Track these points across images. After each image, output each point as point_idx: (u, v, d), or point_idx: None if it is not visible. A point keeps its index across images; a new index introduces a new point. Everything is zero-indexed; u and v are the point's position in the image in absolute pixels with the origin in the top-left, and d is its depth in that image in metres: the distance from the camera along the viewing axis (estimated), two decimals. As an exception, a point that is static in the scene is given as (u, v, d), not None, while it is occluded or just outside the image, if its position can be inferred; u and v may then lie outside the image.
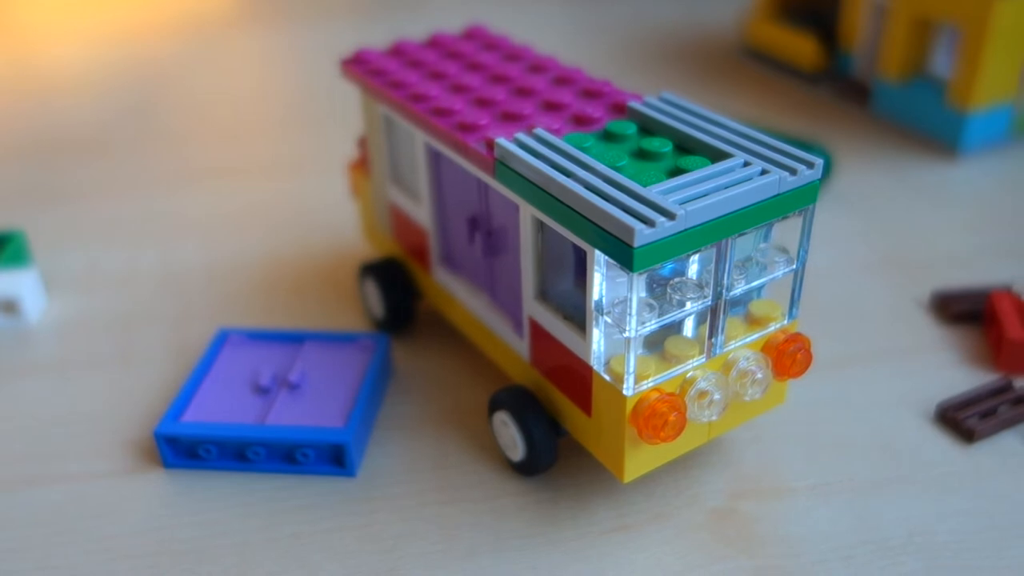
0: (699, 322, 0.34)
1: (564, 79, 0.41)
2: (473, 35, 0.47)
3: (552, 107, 0.38)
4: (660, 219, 0.29)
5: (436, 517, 0.37)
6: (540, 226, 0.35)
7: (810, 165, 0.33)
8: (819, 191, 0.33)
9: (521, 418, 0.37)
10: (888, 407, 0.42)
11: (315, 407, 0.41)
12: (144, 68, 0.87)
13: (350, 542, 0.36)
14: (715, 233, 0.31)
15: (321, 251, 0.56)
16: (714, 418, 0.34)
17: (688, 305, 0.32)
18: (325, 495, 0.38)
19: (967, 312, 0.48)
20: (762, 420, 0.41)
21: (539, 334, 0.37)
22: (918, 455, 0.40)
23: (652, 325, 0.32)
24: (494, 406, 0.39)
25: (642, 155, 0.34)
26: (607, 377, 0.33)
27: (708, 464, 0.40)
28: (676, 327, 0.34)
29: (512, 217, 0.37)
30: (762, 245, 0.35)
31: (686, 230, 0.30)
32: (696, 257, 0.33)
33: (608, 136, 0.36)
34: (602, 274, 0.31)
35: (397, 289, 0.46)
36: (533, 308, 0.37)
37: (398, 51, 0.46)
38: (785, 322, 0.36)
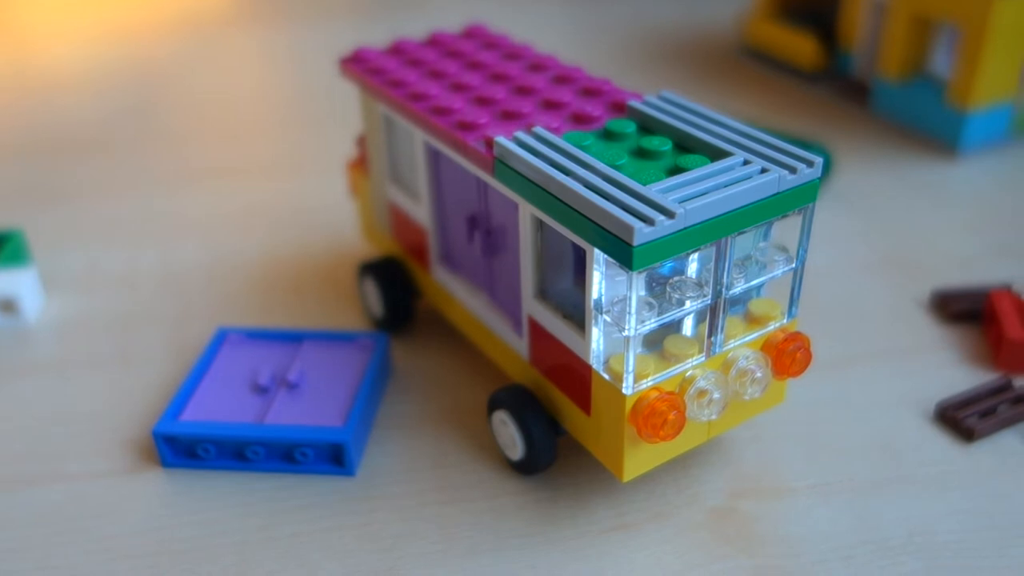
0: (698, 321, 0.34)
1: (564, 78, 0.41)
2: (473, 34, 0.47)
3: (551, 106, 0.38)
4: (659, 217, 0.29)
5: (435, 516, 0.37)
6: (539, 225, 0.35)
7: (810, 164, 0.33)
8: (819, 190, 0.33)
9: (520, 417, 0.37)
10: (888, 406, 0.42)
11: (314, 406, 0.41)
12: (144, 67, 0.87)
13: (349, 541, 0.36)
14: (714, 232, 0.31)
15: (320, 250, 0.56)
16: (713, 417, 0.34)
17: (687, 304, 0.32)
18: (324, 494, 0.38)
19: (967, 311, 0.48)
20: (762, 419, 0.41)
21: (538, 333, 0.37)
22: (918, 454, 0.40)
23: (651, 324, 0.32)
24: (493, 405, 0.39)
25: (641, 154, 0.34)
26: (606, 376, 0.33)
27: (708, 463, 0.39)
28: (675, 326, 0.34)
29: (511, 216, 0.37)
30: (761, 244, 0.35)
31: (685, 228, 0.30)
32: (695, 256, 0.33)
33: (608, 135, 0.36)
34: (601, 273, 0.31)
35: (396, 288, 0.46)
36: (532, 307, 0.37)
37: (397, 50, 0.46)
38: (784, 321, 0.36)
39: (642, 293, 0.32)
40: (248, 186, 0.64)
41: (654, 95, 0.38)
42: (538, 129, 0.35)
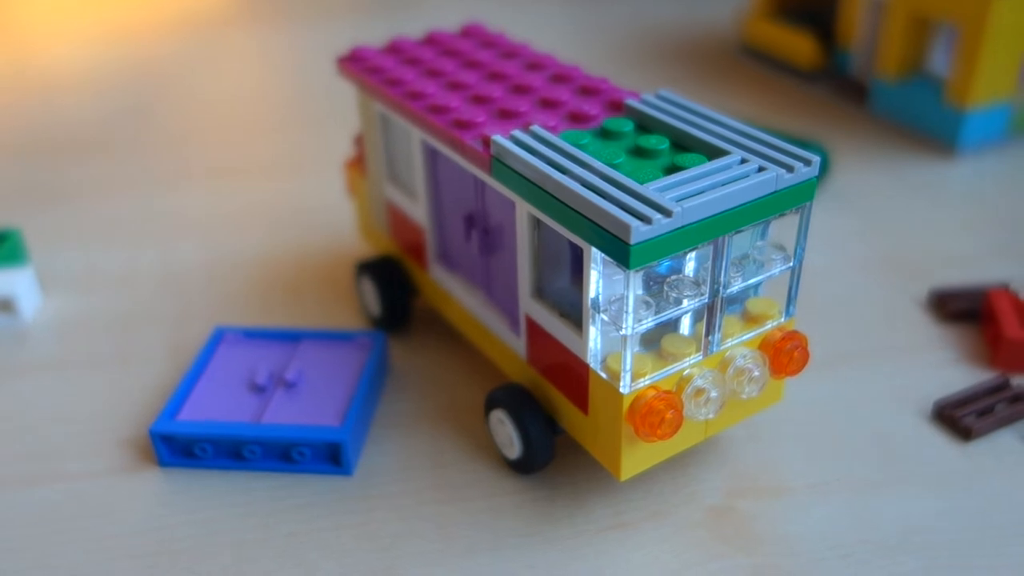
0: (696, 320, 0.34)
1: (561, 76, 0.41)
2: (470, 32, 0.47)
3: (549, 104, 0.38)
4: (657, 216, 0.29)
5: (433, 515, 0.37)
6: (537, 223, 0.35)
7: (807, 162, 0.32)
8: (816, 189, 0.33)
9: (518, 416, 0.37)
10: (885, 405, 0.42)
11: (311, 406, 0.41)
12: (143, 67, 0.87)
13: (347, 541, 0.36)
14: (712, 230, 0.31)
15: (319, 250, 0.56)
16: (711, 416, 0.34)
17: (685, 303, 0.32)
18: (322, 494, 0.38)
19: (964, 310, 0.48)
20: (759, 418, 0.41)
21: (536, 332, 0.37)
22: (915, 453, 0.40)
23: (649, 323, 0.32)
24: (491, 404, 0.39)
25: (639, 152, 0.34)
26: (604, 375, 0.33)
27: (705, 462, 0.39)
28: (673, 325, 0.34)
29: (509, 214, 0.37)
30: (759, 243, 0.35)
31: (683, 227, 0.30)
32: (693, 254, 0.33)
33: (605, 133, 0.36)
34: (598, 271, 0.31)
35: (394, 287, 0.46)
36: (530, 306, 0.37)
37: (394, 48, 0.46)
38: (782, 320, 0.36)
39: (639, 292, 0.32)
40: (247, 186, 0.64)
41: (652, 94, 0.38)
42: (535, 128, 0.35)
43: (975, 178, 0.62)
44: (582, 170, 0.32)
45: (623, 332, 0.31)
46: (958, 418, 0.40)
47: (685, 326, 0.34)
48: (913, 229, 0.57)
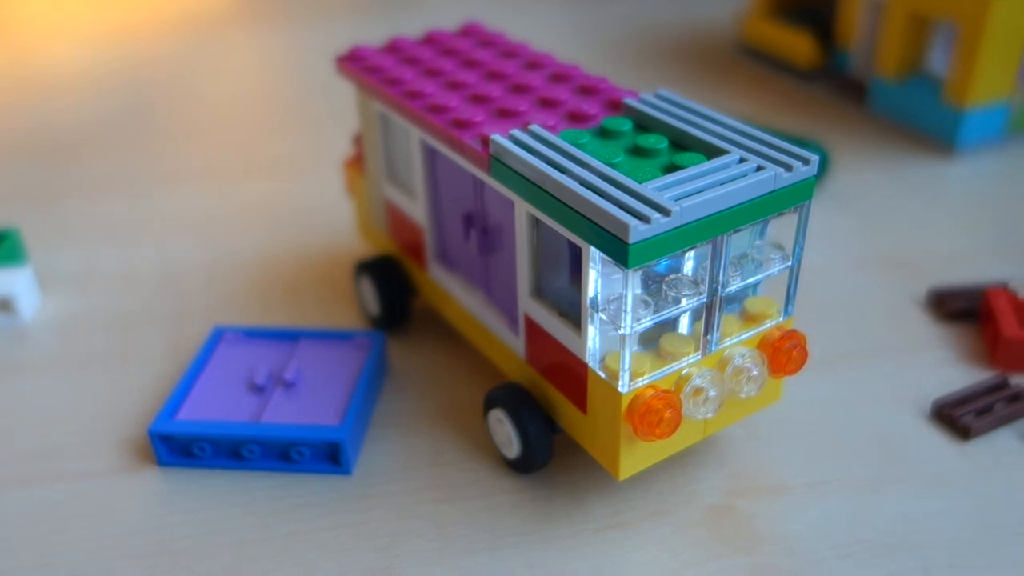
0: (694, 319, 0.34)
1: (560, 76, 0.41)
2: (469, 32, 0.47)
3: (548, 104, 0.38)
4: (655, 215, 0.29)
5: (432, 515, 0.37)
6: (535, 223, 0.35)
7: (805, 161, 0.32)
8: (815, 188, 0.33)
9: (516, 415, 0.37)
10: (884, 405, 0.42)
11: (310, 405, 0.41)
12: (142, 67, 0.87)
13: (346, 540, 0.36)
14: (710, 229, 0.31)
15: (319, 249, 0.56)
16: (709, 415, 0.34)
17: (683, 302, 0.32)
18: (321, 493, 0.38)
19: (963, 310, 0.48)
20: (758, 417, 0.41)
21: (534, 331, 0.37)
22: (914, 453, 0.40)
23: (647, 322, 0.32)
24: (490, 403, 0.39)
25: (638, 152, 0.34)
26: (602, 374, 0.33)
27: (704, 462, 0.39)
28: (671, 324, 0.34)
29: (508, 214, 0.37)
30: (758, 242, 0.35)
31: (681, 226, 0.30)
32: (691, 254, 0.33)
33: (604, 133, 0.36)
34: (597, 271, 0.31)
35: (392, 286, 0.46)
36: (528, 305, 0.37)
37: (393, 48, 0.46)
38: (781, 319, 0.36)
39: (638, 291, 0.32)
40: (246, 186, 0.64)
41: (650, 93, 0.38)
42: (534, 127, 0.35)
43: (974, 177, 0.63)
44: (581, 169, 0.32)
45: (622, 331, 0.31)
46: (957, 417, 0.40)
47: (684, 325, 0.34)
48: (912, 228, 0.57)
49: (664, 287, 0.32)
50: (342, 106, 0.72)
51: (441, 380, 0.45)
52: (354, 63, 0.45)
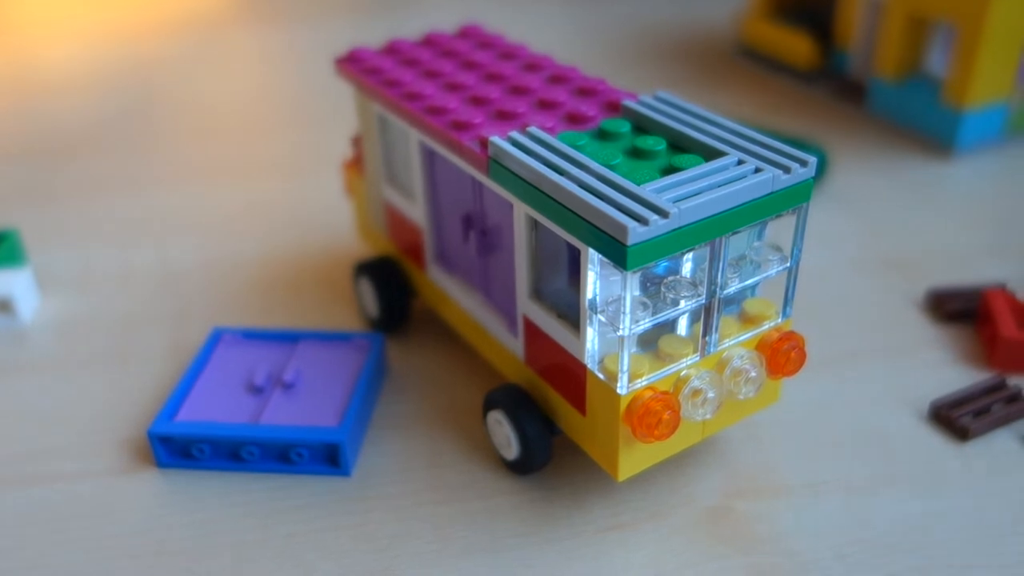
0: (693, 320, 0.34)
1: (559, 78, 0.41)
2: (468, 34, 0.47)
3: (546, 105, 0.38)
4: (653, 217, 0.29)
5: (431, 516, 0.37)
6: (534, 224, 0.35)
7: (803, 163, 0.33)
8: (813, 189, 0.33)
9: (515, 417, 0.37)
10: (882, 405, 0.43)
11: (309, 406, 0.41)
12: (142, 67, 0.87)
13: (345, 541, 0.36)
14: (709, 231, 0.31)
15: (318, 250, 0.56)
16: (708, 416, 0.34)
17: (682, 303, 0.32)
18: (320, 494, 0.38)
19: (961, 310, 0.48)
20: (757, 419, 0.41)
21: (533, 333, 0.37)
22: (912, 453, 0.40)
23: (646, 324, 0.32)
24: (488, 405, 0.39)
25: (636, 153, 0.34)
26: (601, 376, 0.33)
27: (703, 463, 0.40)
28: (670, 326, 0.34)
29: (506, 215, 0.37)
30: (756, 243, 0.35)
31: (679, 228, 0.30)
32: (690, 255, 0.33)
33: (602, 134, 0.36)
34: (596, 272, 0.31)
35: (392, 288, 0.46)
36: (527, 307, 0.37)
37: (392, 50, 0.46)
38: (779, 320, 0.36)
39: (636, 293, 0.32)
40: (246, 186, 0.64)
41: (649, 95, 0.38)
42: (533, 129, 0.35)
43: (972, 178, 0.63)
44: (579, 171, 0.32)
45: (620, 333, 0.31)
46: (955, 418, 0.40)
47: (682, 327, 0.35)
48: (910, 229, 0.57)
49: (663, 289, 0.33)
50: (342, 106, 0.72)
51: (440, 381, 0.45)
52: (353, 65, 0.45)
